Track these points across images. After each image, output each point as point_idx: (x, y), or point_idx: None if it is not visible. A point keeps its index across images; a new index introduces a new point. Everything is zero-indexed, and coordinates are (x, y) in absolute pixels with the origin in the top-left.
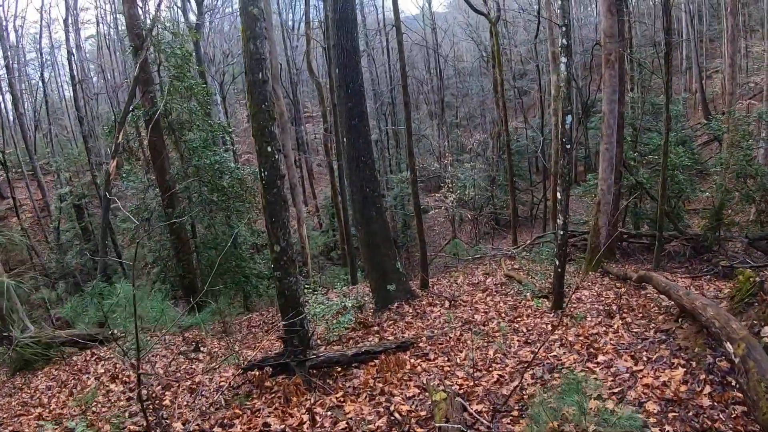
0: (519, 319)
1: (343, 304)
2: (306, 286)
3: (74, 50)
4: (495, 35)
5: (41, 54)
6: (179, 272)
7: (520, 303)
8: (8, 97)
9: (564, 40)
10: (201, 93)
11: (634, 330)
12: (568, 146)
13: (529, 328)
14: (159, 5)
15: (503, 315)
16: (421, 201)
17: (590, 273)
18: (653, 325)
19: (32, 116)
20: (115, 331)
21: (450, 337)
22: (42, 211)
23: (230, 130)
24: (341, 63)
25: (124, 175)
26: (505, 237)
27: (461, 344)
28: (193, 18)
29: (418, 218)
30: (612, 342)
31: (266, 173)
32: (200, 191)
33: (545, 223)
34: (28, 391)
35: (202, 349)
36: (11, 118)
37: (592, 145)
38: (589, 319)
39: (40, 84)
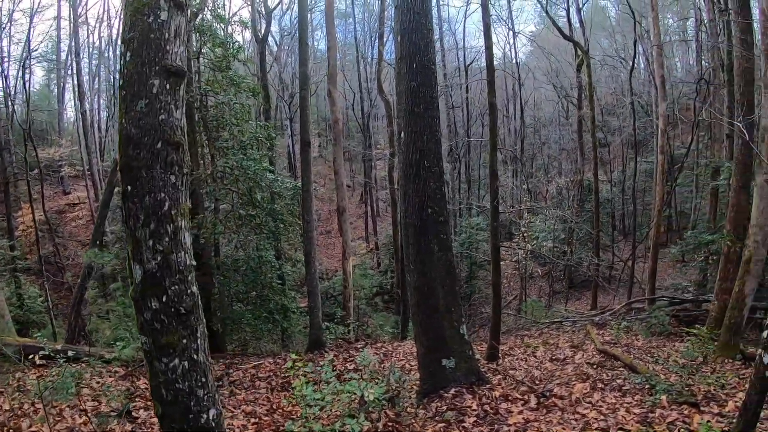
0: None
1: (361, 392)
2: (341, 335)
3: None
4: (587, 66)
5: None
6: None
7: (653, 412)
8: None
9: None
10: (247, 89)
11: None
12: None
13: None
14: None
15: None
16: None
17: (724, 359)
18: None
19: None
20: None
21: None
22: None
23: (273, 135)
24: (405, 28)
25: None
26: (579, 299)
27: None
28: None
29: (495, 264)
30: None
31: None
32: (232, 202)
33: (630, 287)
34: None
35: (134, 413)
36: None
37: (678, 203)
38: None
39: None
